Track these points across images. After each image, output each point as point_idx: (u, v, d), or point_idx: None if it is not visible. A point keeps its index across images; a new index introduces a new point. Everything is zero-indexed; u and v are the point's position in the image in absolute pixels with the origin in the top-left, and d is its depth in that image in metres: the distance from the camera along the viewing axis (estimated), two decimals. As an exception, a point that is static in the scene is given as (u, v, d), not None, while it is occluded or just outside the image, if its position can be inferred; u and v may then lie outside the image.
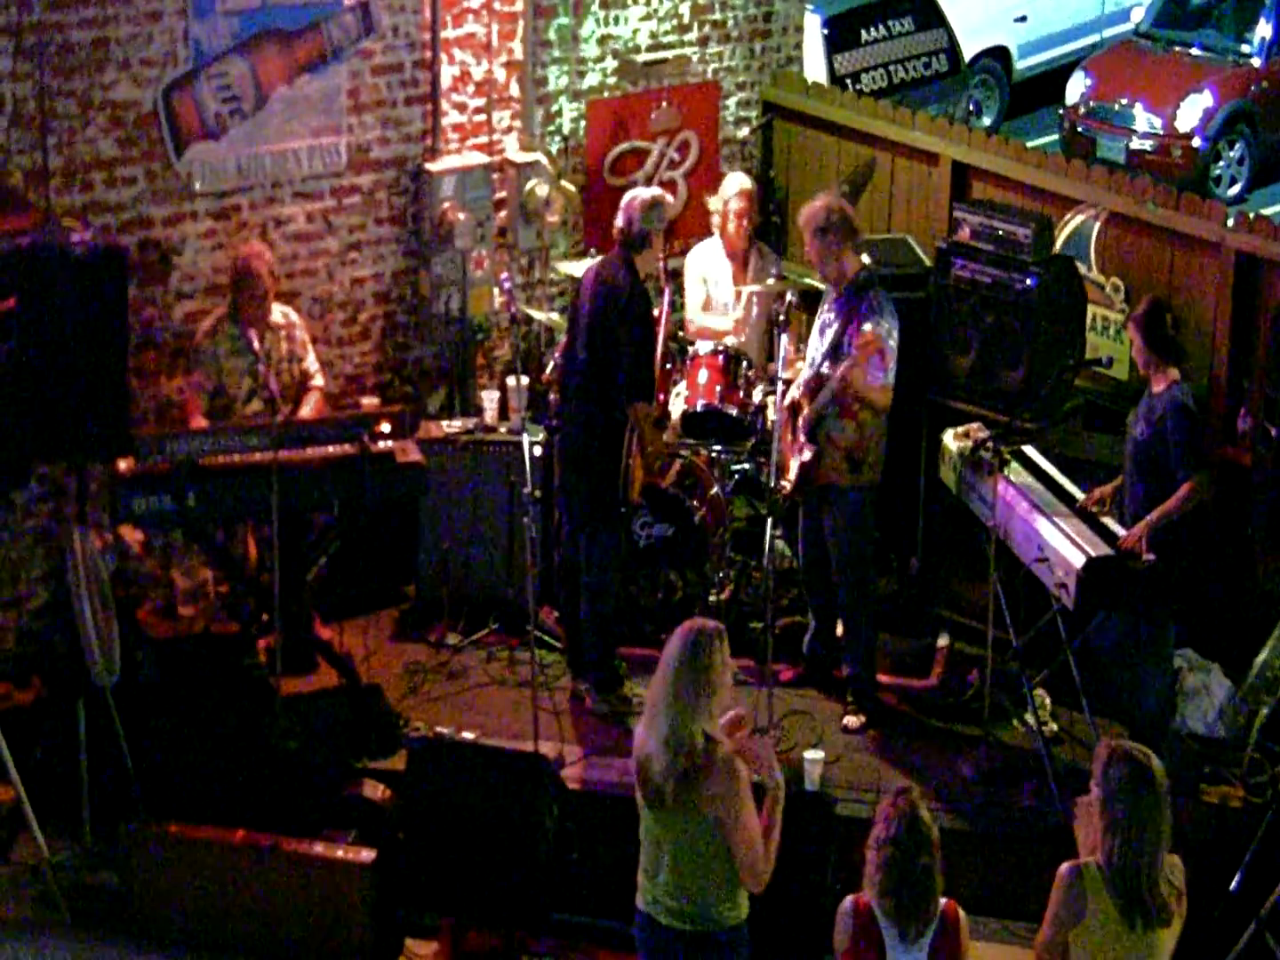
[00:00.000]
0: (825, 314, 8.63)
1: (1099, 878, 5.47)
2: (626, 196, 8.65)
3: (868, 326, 8.27)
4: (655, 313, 8.81)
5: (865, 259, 8.73)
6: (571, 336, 8.71)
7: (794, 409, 8.65)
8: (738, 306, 9.72)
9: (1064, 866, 5.54)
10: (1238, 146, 15.72)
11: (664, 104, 10.64)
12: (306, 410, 8.89)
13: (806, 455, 8.53)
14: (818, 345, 8.62)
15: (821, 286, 9.05)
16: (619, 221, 8.54)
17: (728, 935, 5.99)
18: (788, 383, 8.83)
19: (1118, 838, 5.44)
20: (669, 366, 9.56)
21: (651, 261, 8.72)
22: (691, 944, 5.98)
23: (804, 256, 10.41)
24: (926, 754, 8.55)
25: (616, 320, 8.39)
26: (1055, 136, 16.18)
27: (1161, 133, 15.45)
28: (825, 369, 8.45)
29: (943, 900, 5.58)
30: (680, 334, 9.72)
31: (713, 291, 9.83)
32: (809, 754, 8.12)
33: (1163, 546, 7.97)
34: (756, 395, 9.33)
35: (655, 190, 8.80)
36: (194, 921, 7.66)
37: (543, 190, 9.95)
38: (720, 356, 9.34)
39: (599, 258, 8.92)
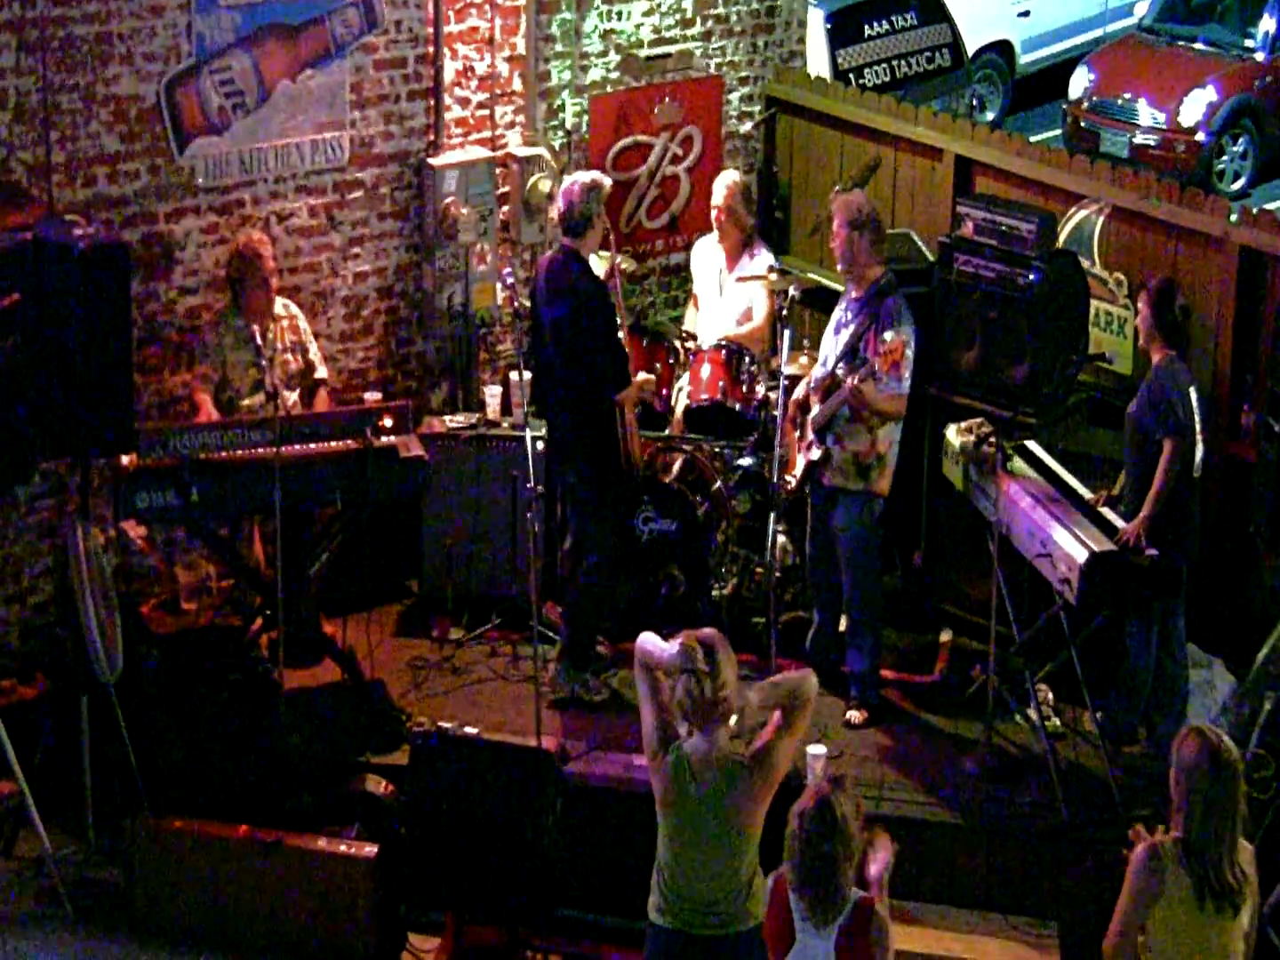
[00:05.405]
0: (841, 313, 8.61)
1: (1174, 855, 5.52)
2: (564, 183, 8.75)
3: (889, 335, 8.26)
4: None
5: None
6: (537, 335, 8.68)
7: (803, 406, 8.64)
8: (723, 298, 9.75)
9: (1138, 848, 5.59)
10: (1241, 141, 15.71)
11: (667, 99, 10.63)
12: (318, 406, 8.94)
13: (815, 454, 8.52)
14: (832, 344, 8.61)
15: (819, 279, 9.04)
16: (560, 207, 8.60)
17: (746, 939, 5.99)
18: (790, 378, 8.81)
19: (1188, 815, 5.51)
20: (671, 362, 9.58)
21: (594, 243, 8.74)
22: (728, 946, 5.97)
23: (807, 251, 10.49)
24: (929, 750, 8.55)
25: (585, 323, 8.45)
26: (1059, 131, 16.17)
27: (1165, 128, 15.43)
28: (840, 370, 8.44)
29: (860, 893, 5.56)
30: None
31: (697, 285, 9.94)
32: (811, 749, 8.08)
33: (1164, 540, 7.98)
34: (760, 390, 9.33)
35: (593, 174, 8.84)
36: (197, 917, 7.66)
37: (545, 185, 9.96)
38: (723, 351, 9.36)
39: (548, 253, 8.94)
